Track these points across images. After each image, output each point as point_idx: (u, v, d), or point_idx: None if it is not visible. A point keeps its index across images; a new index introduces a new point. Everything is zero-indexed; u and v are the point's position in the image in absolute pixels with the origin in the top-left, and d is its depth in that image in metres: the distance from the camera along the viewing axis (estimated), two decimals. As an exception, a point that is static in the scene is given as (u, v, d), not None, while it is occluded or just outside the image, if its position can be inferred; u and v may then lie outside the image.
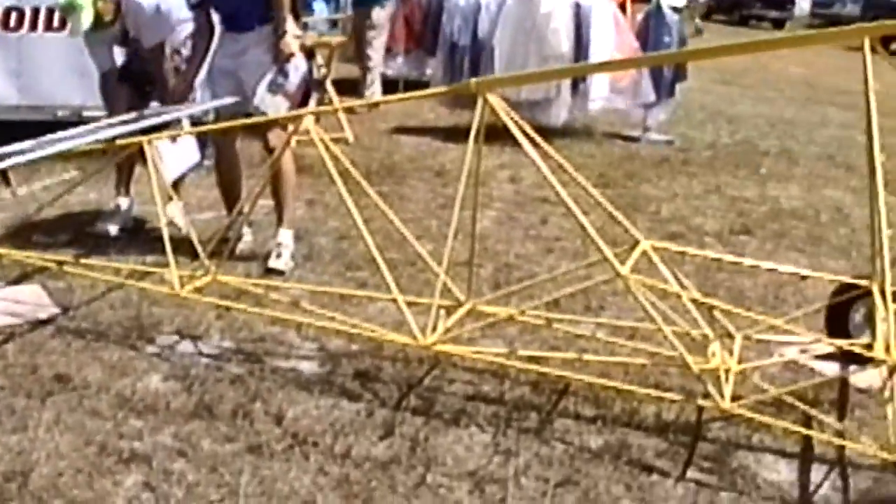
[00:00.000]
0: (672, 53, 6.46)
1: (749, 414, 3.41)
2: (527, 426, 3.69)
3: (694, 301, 3.95)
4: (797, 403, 3.58)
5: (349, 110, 8.51)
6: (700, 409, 3.74)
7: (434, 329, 3.78)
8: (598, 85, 9.04)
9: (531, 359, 3.95)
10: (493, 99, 3.68)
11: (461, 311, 4.08)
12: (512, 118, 3.70)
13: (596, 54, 8.74)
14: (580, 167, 6.85)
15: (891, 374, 3.05)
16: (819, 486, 3.37)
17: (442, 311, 3.95)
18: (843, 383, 4.11)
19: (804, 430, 3.55)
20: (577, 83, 8.95)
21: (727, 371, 3.62)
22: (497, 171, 7.57)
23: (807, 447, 3.59)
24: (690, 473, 3.42)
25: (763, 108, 12.01)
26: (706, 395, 3.61)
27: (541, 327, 4.30)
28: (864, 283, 4.05)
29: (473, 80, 3.74)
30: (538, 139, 3.81)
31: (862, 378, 4.10)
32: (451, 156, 8.13)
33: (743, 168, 8.55)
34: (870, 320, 4.13)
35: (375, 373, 4.06)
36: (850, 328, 4.25)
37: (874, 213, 3.81)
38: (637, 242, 3.99)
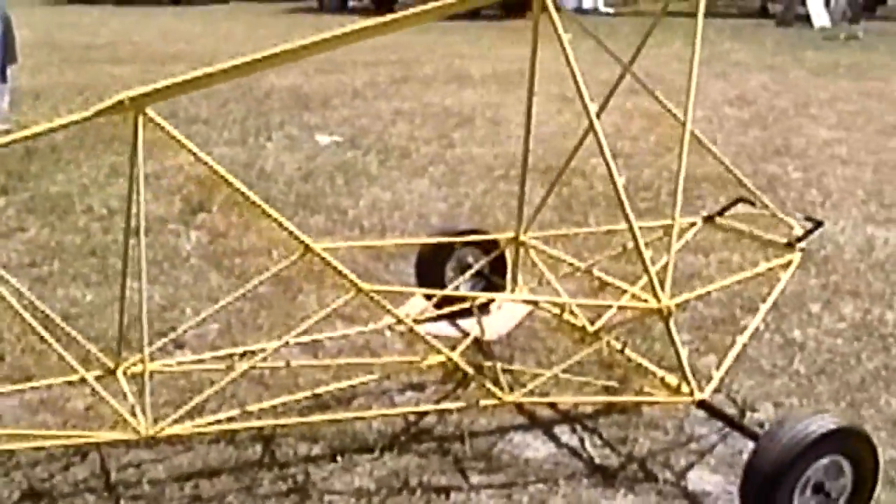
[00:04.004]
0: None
1: (533, 400, 3.37)
2: (288, 489, 3.19)
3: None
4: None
5: None
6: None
7: (143, 412, 2.93)
8: None
9: (262, 413, 3.38)
10: (153, 114, 2.85)
11: (145, 376, 3.09)
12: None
13: None
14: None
15: (667, 319, 3.18)
16: (584, 448, 3.45)
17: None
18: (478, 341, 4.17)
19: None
20: None
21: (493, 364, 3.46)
22: None
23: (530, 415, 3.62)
24: (475, 479, 3.27)
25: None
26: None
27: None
28: (502, 237, 4.17)
29: (126, 95, 2.80)
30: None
31: (489, 330, 4.19)
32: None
33: (117, 141, 7.88)
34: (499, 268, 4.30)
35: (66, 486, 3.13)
36: (446, 282, 4.30)
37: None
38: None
